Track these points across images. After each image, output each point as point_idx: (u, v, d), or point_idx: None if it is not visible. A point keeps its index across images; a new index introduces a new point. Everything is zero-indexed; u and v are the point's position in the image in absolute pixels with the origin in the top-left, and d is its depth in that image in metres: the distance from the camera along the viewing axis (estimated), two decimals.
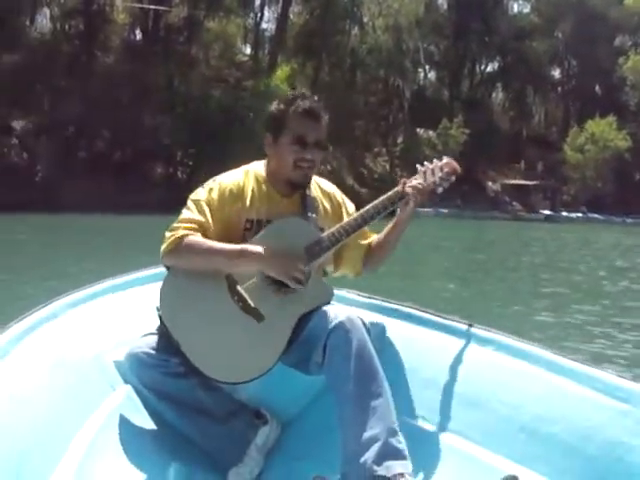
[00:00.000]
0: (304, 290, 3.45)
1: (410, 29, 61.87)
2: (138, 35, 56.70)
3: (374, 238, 3.83)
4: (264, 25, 67.74)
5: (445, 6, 76.70)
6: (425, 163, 3.67)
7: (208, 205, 3.49)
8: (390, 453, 3.07)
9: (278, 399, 3.75)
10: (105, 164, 46.57)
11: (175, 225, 3.45)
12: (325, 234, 3.52)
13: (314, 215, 3.64)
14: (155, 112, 49.16)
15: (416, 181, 3.61)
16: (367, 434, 3.10)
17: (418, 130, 64.47)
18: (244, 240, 3.50)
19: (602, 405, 3.17)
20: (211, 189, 3.54)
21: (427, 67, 76.33)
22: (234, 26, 60.13)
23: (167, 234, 3.44)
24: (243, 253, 3.39)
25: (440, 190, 3.67)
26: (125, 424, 3.43)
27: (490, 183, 73.25)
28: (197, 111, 48.46)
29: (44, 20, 56.22)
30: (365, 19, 63.75)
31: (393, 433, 3.13)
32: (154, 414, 3.50)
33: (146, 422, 3.50)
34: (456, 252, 30.39)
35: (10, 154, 46.75)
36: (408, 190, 3.56)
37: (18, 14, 50.71)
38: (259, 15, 65.53)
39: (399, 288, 17.14)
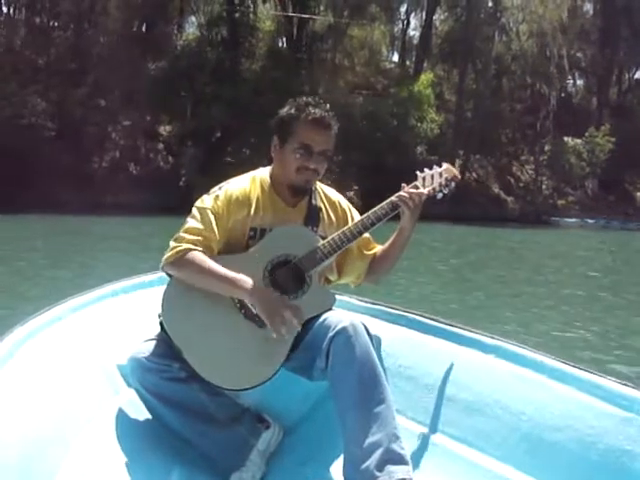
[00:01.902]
0: (306, 296, 3.49)
1: (554, 35, 60.83)
2: (283, 42, 56.83)
3: (378, 249, 3.85)
4: (411, 32, 67.59)
5: (591, 12, 75.34)
6: (425, 169, 3.66)
7: (213, 213, 3.52)
8: (392, 459, 3.10)
9: (281, 404, 3.81)
10: (250, 170, 46.68)
11: (180, 235, 3.49)
12: (326, 241, 3.54)
13: (318, 224, 3.68)
14: None
15: (414, 189, 3.60)
16: (369, 440, 3.13)
17: (565, 138, 63.13)
18: (247, 248, 3.55)
19: (605, 413, 3.18)
20: (217, 196, 3.58)
21: (575, 74, 74.87)
22: (379, 33, 60.00)
23: (171, 244, 3.48)
24: (236, 285, 3.39)
25: (440, 196, 3.66)
26: (128, 428, 3.51)
27: (639, 194, 71.16)
28: (341, 118, 47.96)
29: (191, 28, 57.17)
30: (509, 25, 63.02)
31: (395, 439, 3.16)
32: (157, 418, 3.54)
33: (149, 426, 3.55)
34: (605, 263, 29.24)
35: (156, 159, 47.47)
36: (399, 196, 3.57)
37: (165, 22, 51.60)
38: (405, 22, 65.41)
39: (547, 297, 17.06)
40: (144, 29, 51.30)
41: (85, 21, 47.55)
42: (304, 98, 3.66)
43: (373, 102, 51.04)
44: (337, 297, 3.72)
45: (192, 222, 3.51)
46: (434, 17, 62.30)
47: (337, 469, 3.28)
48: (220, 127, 48.19)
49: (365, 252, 3.82)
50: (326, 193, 3.84)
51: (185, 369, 3.38)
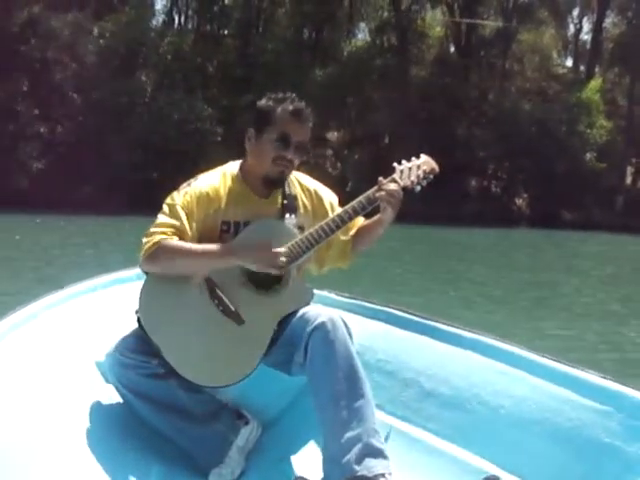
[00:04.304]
0: (284, 291, 3.49)
1: None
2: (451, 48, 56.42)
3: (360, 224, 3.84)
4: (584, 37, 66.00)
5: None
6: (403, 162, 3.61)
7: (183, 209, 3.49)
8: (371, 453, 3.12)
9: (259, 400, 3.79)
10: None
11: (151, 230, 3.46)
12: (304, 235, 3.51)
13: (293, 214, 3.66)
14: (469, 125, 48.68)
15: (392, 184, 3.53)
16: (348, 434, 3.14)
17: None
18: (221, 243, 3.52)
19: (584, 406, 3.19)
20: (186, 192, 3.54)
21: None
22: (549, 37, 58.93)
23: (143, 240, 3.46)
24: (222, 251, 3.41)
25: (418, 189, 3.60)
26: (106, 424, 3.50)
27: None
28: (511, 124, 47.37)
29: (360, 34, 57.36)
30: None
31: (374, 433, 3.18)
32: (135, 415, 3.54)
33: (127, 423, 3.54)
34: None
35: (325, 165, 47.66)
36: (379, 195, 3.51)
37: (334, 29, 51.94)
38: (577, 26, 64.03)
39: None
40: (313, 36, 51.58)
41: (253, 28, 48.20)
42: (280, 93, 3.67)
43: (542, 108, 49.94)
44: (315, 292, 3.71)
45: (162, 217, 3.49)
46: (607, 21, 60.74)
47: (316, 464, 3.27)
48: (388, 133, 48.09)
49: (348, 233, 3.82)
50: (300, 181, 3.82)
51: (163, 365, 3.40)
